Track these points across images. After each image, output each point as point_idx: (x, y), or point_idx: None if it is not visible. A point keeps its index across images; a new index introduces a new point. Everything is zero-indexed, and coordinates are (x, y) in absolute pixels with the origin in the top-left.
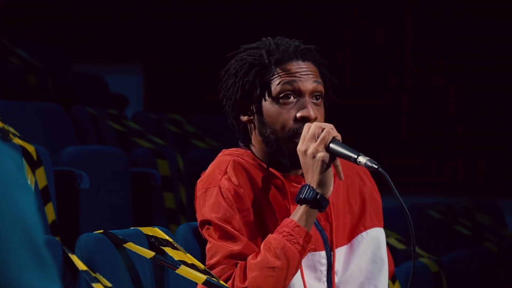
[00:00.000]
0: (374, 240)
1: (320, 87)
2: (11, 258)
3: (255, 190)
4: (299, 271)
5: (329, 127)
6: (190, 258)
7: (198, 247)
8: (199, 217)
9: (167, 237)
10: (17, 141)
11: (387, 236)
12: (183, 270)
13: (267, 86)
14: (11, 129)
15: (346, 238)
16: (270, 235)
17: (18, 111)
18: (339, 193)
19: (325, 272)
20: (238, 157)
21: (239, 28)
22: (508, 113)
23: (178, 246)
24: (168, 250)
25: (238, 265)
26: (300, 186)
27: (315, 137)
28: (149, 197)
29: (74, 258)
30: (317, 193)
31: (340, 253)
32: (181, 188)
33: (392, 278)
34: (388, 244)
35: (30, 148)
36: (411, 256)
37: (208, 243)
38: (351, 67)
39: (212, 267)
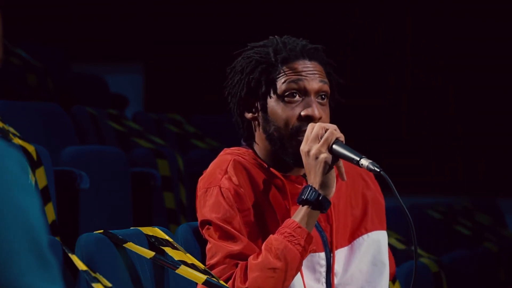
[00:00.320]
0: (375, 242)
1: (326, 87)
2: (14, 259)
3: (256, 190)
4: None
5: (332, 128)
6: (190, 258)
7: (198, 247)
8: (200, 217)
9: (167, 237)
10: (17, 141)
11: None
12: (183, 270)
13: (272, 84)
14: (11, 129)
15: (346, 239)
16: (271, 235)
17: (18, 111)
18: (340, 194)
19: (324, 274)
20: (239, 156)
21: (239, 28)
22: (508, 113)
23: (178, 246)
24: (168, 250)
25: (239, 266)
26: (300, 186)
27: (319, 138)
28: (149, 197)
29: (74, 258)
30: (319, 194)
31: (340, 254)
32: (181, 188)
33: (392, 279)
34: (388, 244)
35: (30, 148)
36: (412, 256)
37: (208, 243)
38: (351, 67)
39: (212, 267)
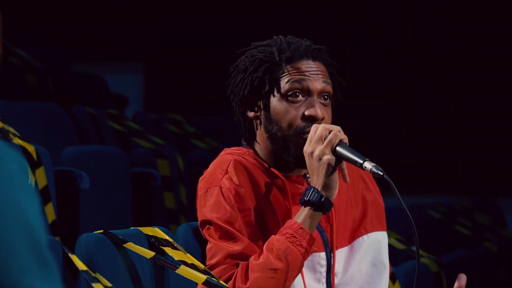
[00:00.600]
0: (375, 243)
1: (329, 88)
2: (14, 259)
3: (256, 190)
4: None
5: (336, 129)
6: (190, 258)
7: (198, 247)
8: (200, 217)
9: (167, 237)
10: (17, 141)
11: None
12: (183, 270)
13: (276, 83)
14: (11, 129)
15: (347, 239)
16: (273, 236)
17: (18, 111)
18: (341, 194)
19: (324, 274)
20: (240, 156)
21: (239, 28)
22: (508, 113)
23: (178, 246)
24: (168, 250)
25: (240, 266)
26: (301, 186)
27: (322, 139)
28: (149, 197)
29: (74, 258)
30: (321, 196)
31: (341, 254)
32: (181, 188)
33: (392, 278)
34: (388, 245)
35: (30, 148)
36: (411, 256)
37: (208, 243)
38: (351, 67)
39: (212, 267)
